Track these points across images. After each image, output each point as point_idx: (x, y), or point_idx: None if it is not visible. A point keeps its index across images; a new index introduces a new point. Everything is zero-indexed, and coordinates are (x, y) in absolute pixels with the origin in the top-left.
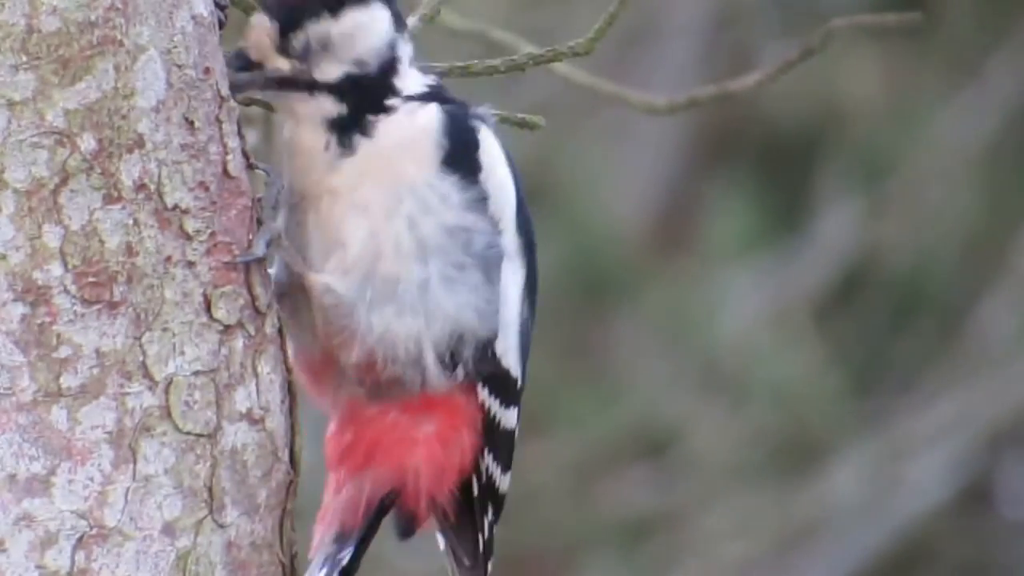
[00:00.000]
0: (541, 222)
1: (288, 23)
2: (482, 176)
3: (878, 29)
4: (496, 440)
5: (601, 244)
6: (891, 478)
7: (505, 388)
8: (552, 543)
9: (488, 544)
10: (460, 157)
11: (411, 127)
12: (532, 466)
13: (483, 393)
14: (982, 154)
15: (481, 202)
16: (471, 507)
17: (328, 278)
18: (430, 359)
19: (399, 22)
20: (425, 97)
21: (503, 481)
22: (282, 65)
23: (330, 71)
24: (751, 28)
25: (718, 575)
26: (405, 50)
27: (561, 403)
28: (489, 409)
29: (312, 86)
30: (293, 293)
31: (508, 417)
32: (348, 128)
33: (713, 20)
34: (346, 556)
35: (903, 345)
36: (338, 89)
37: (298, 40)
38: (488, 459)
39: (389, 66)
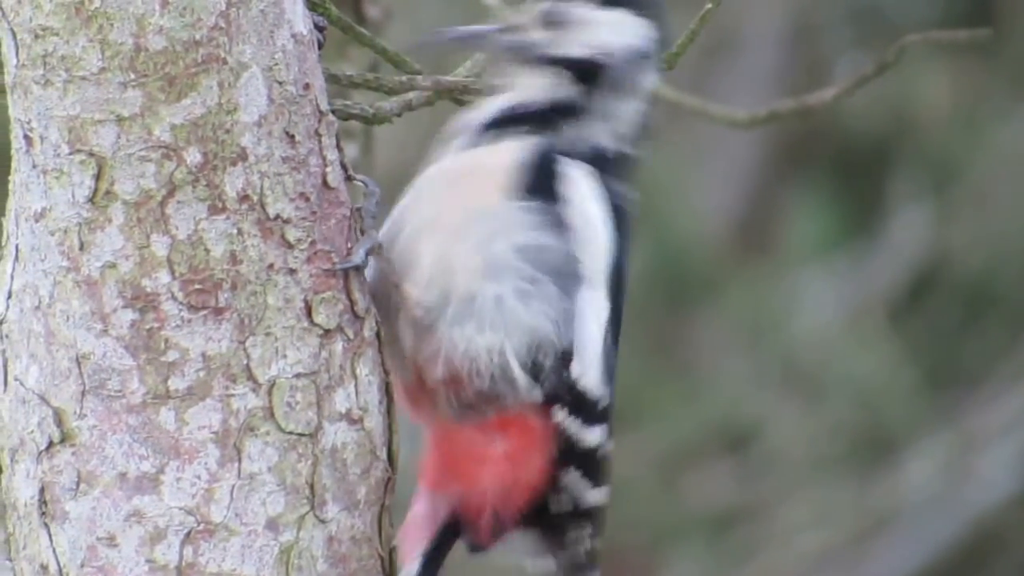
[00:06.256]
0: None
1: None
2: (561, 206)
3: (949, 44)
4: (578, 458)
5: (685, 247)
6: (963, 471)
7: (584, 408)
8: (639, 535)
9: (591, 555)
10: (538, 185)
11: (499, 156)
12: (619, 461)
13: (560, 414)
14: None
15: (557, 225)
16: (552, 524)
17: (416, 291)
18: (516, 369)
19: (654, 51)
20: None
21: (593, 495)
22: (522, 22)
23: (571, 47)
24: (825, 40)
25: (798, 564)
26: (648, 78)
27: (647, 400)
28: (566, 429)
29: (544, 59)
30: (382, 310)
31: (590, 435)
32: (490, 128)
33: (788, 33)
34: (413, 569)
35: (973, 342)
36: (575, 66)
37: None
38: (573, 476)
39: (632, 70)
